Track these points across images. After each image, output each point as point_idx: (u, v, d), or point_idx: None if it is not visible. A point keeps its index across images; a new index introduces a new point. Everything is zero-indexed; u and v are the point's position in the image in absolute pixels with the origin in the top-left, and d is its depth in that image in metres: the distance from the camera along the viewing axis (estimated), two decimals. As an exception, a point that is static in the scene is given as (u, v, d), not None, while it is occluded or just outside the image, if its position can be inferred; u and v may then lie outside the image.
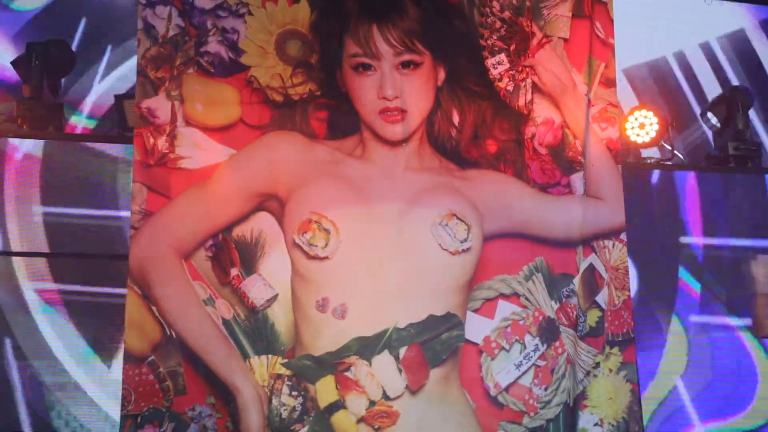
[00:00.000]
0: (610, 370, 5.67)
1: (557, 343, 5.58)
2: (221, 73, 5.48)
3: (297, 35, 5.53)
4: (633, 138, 6.54)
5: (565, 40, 5.80)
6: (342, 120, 5.52)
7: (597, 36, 5.84)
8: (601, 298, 5.71)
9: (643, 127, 6.54)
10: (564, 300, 5.62)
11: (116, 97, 6.05)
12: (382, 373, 5.35)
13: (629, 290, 5.78)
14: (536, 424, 5.52)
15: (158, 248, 5.38)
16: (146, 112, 5.43)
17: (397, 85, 5.44)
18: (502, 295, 5.54)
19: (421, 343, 5.37)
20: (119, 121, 6.03)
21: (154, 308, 5.35)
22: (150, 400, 5.33)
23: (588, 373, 5.64)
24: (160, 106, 5.43)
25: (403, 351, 5.36)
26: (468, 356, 5.47)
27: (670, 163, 6.73)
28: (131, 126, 5.70)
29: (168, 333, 5.35)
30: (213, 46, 5.48)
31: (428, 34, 5.49)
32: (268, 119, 5.50)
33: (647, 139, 6.54)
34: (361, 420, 5.32)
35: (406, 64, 5.45)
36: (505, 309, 5.54)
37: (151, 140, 5.40)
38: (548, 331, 5.58)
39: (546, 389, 5.53)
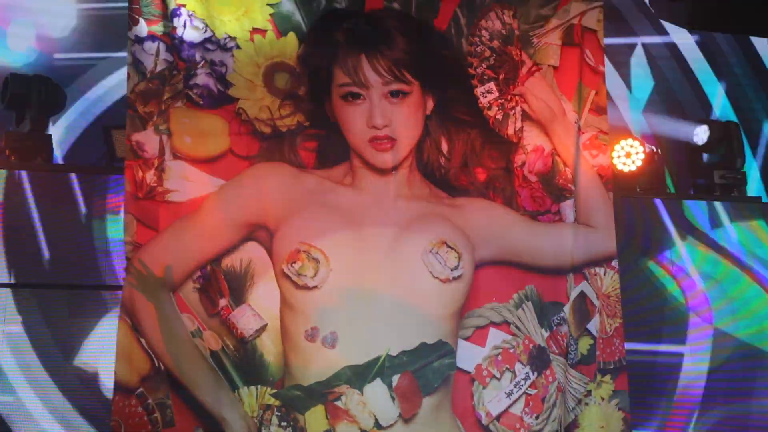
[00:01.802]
0: (602, 399, 5.66)
1: (548, 372, 5.56)
2: (210, 104, 5.49)
3: (285, 68, 5.55)
4: (619, 167, 6.55)
5: (555, 68, 5.81)
6: (331, 149, 5.53)
7: (587, 64, 5.85)
8: (593, 325, 5.69)
9: (629, 156, 6.57)
10: (554, 328, 5.61)
11: (105, 128, 6.07)
12: (375, 402, 5.33)
13: (621, 318, 5.76)
14: (527, 453, 5.50)
15: (147, 280, 5.36)
16: (135, 145, 5.44)
17: (386, 114, 5.45)
18: (493, 323, 5.53)
19: (414, 372, 5.35)
20: (108, 152, 6.04)
21: (142, 340, 5.33)
22: None
23: (579, 402, 5.63)
24: (148, 140, 5.44)
25: (395, 379, 5.35)
26: (460, 384, 5.46)
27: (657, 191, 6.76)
28: (120, 156, 5.70)
29: (156, 365, 5.33)
30: (202, 78, 5.49)
31: (416, 64, 5.50)
32: (257, 150, 5.50)
33: (633, 168, 6.56)
34: (352, 449, 5.31)
35: (394, 93, 5.47)
36: (496, 337, 5.53)
37: (140, 173, 5.41)
38: (539, 360, 5.57)
39: (537, 418, 5.50)
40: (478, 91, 5.68)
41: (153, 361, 5.35)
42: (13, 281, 6.32)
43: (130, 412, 5.33)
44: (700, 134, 6.92)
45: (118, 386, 5.35)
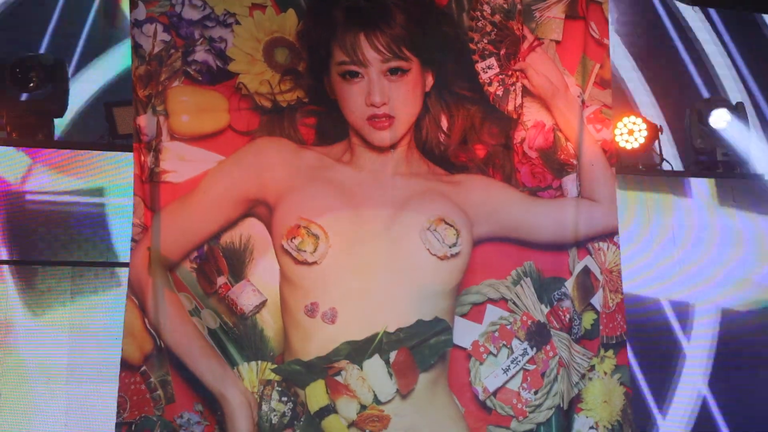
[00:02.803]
0: (605, 373, 5.67)
1: (548, 347, 5.57)
2: (209, 80, 5.52)
3: (284, 43, 5.56)
4: (622, 144, 6.52)
5: (557, 43, 5.77)
6: (330, 126, 5.55)
7: (591, 36, 5.81)
8: (597, 300, 5.69)
9: (632, 133, 6.54)
10: (555, 303, 5.61)
11: (106, 105, 6.10)
12: (374, 377, 5.38)
13: (622, 293, 5.76)
14: (526, 428, 5.54)
15: (146, 260, 5.44)
16: (138, 129, 5.49)
17: (385, 92, 5.45)
18: (490, 300, 5.56)
19: (410, 348, 5.38)
20: (110, 129, 6.08)
21: (146, 319, 5.42)
22: (142, 409, 5.41)
23: (583, 376, 5.64)
24: (147, 123, 5.48)
25: (393, 355, 5.38)
26: (456, 361, 5.50)
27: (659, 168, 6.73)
28: (122, 133, 5.75)
29: (158, 343, 5.40)
30: (201, 54, 5.52)
31: (416, 41, 5.49)
32: (257, 125, 5.52)
33: (636, 146, 6.54)
34: (352, 424, 5.36)
35: (393, 71, 5.47)
36: (493, 314, 5.56)
37: (142, 157, 5.46)
38: (538, 335, 5.58)
39: (536, 393, 5.53)
40: (479, 66, 5.67)
41: (155, 339, 5.42)
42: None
43: (135, 389, 5.41)
44: (719, 118, 6.83)
45: (125, 363, 5.44)
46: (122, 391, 5.41)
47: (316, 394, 5.38)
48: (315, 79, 5.54)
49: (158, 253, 5.43)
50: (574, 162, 5.71)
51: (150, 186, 5.47)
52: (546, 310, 5.60)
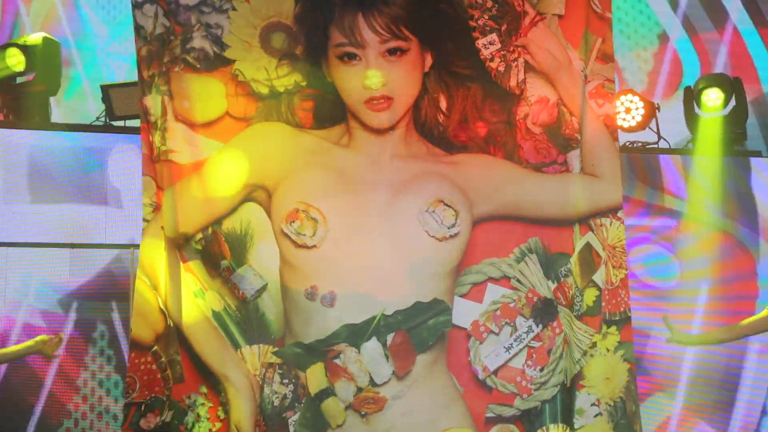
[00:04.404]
0: (608, 350, 5.66)
1: (554, 323, 5.58)
2: (207, 67, 5.56)
3: (281, 27, 5.57)
4: (619, 122, 6.44)
5: (560, 17, 5.70)
6: (328, 110, 5.56)
7: (593, 10, 5.73)
8: (599, 276, 5.67)
9: (629, 111, 6.46)
10: (562, 279, 5.61)
11: (102, 87, 6.15)
12: (370, 360, 5.44)
13: (626, 269, 5.73)
14: (530, 406, 5.56)
15: (160, 239, 5.53)
16: (145, 109, 5.56)
17: (383, 73, 5.44)
18: (491, 279, 5.56)
19: (408, 330, 5.43)
20: (107, 110, 6.13)
21: (159, 298, 5.51)
22: (152, 389, 5.53)
23: (585, 353, 5.65)
24: (152, 103, 5.54)
25: (390, 338, 5.44)
26: (456, 341, 5.53)
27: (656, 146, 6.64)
28: (118, 115, 5.81)
29: (169, 323, 5.51)
30: (198, 41, 5.55)
31: (415, 20, 5.45)
32: (254, 111, 5.56)
33: (633, 124, 6.46)
34: (349, 406, 5.44)
35: (392, 51, 5.45)
36: (494, 292, 5.57)
37: (150, 137, 5.53)
38: (544, 312, 5.58)
39: (542, 370, 5.55)
40: (480, 43, 5.63)
41: (166, 319, 5.52)
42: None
43: (145, 368, 5.53)
44: (712, 96, 6.68)
45: (134, 343, 5.55)
46: (131, 371, 5.53)
47: (315, 377, 5.47)
48: (312, 62, 5.54)
49: (171, 231, 5.51)
50: (579, 137, 5.66)
51: (159, 165, 5.54)
52: (553, 286, 5.59)
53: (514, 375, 5.57)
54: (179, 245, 5.53)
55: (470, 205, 5.51)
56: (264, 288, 5.54)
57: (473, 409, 5.52)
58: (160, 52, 5.54)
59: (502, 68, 5.63)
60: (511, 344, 5.57)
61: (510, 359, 5.57)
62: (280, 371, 5.49)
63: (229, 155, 5.54)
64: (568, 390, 5.60)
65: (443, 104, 5.60)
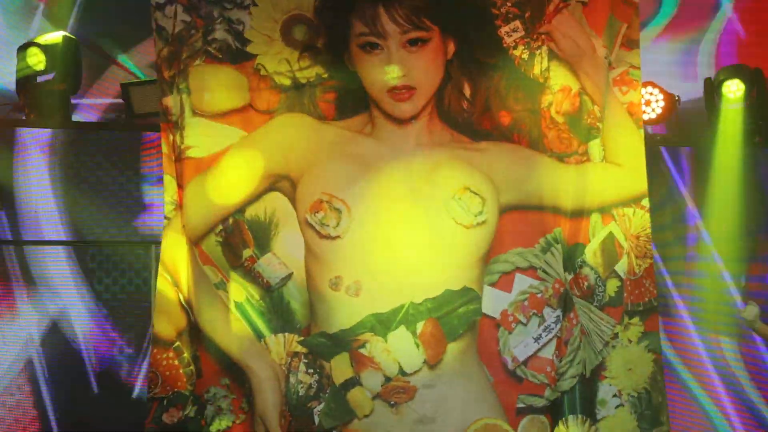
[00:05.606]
0: (630, 341, 5.61)
1: (571, 315, 5.53)
2: (230, 59, 5.52)
3: (303, 20, 5.53)
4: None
5: (584, 4, 5.65)
6: (350, 100, 5.52)
7: None
8: (621, 267, 5.62)
9: (649, 104, 6.42)
10: (577, 270, 5.56)
11: (122, 84, 6.11)
12: (399, 349, 5.37)
13: (651, 258, 5.68)
14: (555, 396, 5.50)
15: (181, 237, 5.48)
16: (166, 109, 5.51)
17: (405, 64, 5.40)
18: (519, 269, 5.51)
19: (438, 318, 5.35)
20: (126, 108, 6.09)
21: (180, 295, 5.44)
22: (175, 384, 5.44)
23: (607, 344, 5.59)
24: (172, 103, 5.50)
25: (420, 326, 5.37)
26: (485, 330, 5.47)
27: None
28: (138, 113, 5.77)
29: (192, 319, 5.43)
30: (220, 33, 5.51)
31: (436, 9, 5.42)
32: (277, 103, 5.52)
33: (653, 116, 6.43)
34: (377, 396, 5.35)
35: (413, 42, 5.41)
36: (522, 282, 5.51)
37: (171, 136, 5.47)
38: (565, 303, 5.53)
39: (561, 361, 5.49)
40: (503, 30, 5.58)
41: (189, 315, 5.44)
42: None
43: (167, 364, 5.45)
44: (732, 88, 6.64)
45: (156, 339, 5.47)
46: (154, 366, 5.45)
47: (340, 367, 5.39)
48: (334, 54, 5.50)
49: (187, 227, 5.46)
50: (600, 126, 5.62)
51: (179, 164, 5.49)
52: (569, 278, 5.54)
53: (545, 365, 5.51)
54: (197, 240, 5.45)
55: (496, 192, 5.47)
56: (289, 276, 5.46)
57: (504, 400, 5.45)
58: (179, 50, 5.49)
59: (525, 56, 5.59)
60: (540, 335, 5.52)
61: (539, 349, 5.50)
62: (306, 360, 5.41)
63: (253, 144, 5.47)
64: (589, 381, 5.53)
65: (467, 91, 5.56)
